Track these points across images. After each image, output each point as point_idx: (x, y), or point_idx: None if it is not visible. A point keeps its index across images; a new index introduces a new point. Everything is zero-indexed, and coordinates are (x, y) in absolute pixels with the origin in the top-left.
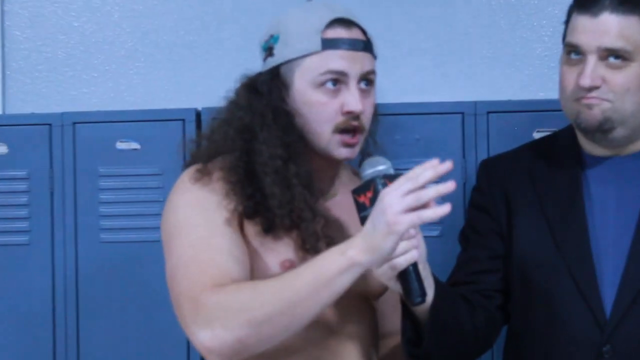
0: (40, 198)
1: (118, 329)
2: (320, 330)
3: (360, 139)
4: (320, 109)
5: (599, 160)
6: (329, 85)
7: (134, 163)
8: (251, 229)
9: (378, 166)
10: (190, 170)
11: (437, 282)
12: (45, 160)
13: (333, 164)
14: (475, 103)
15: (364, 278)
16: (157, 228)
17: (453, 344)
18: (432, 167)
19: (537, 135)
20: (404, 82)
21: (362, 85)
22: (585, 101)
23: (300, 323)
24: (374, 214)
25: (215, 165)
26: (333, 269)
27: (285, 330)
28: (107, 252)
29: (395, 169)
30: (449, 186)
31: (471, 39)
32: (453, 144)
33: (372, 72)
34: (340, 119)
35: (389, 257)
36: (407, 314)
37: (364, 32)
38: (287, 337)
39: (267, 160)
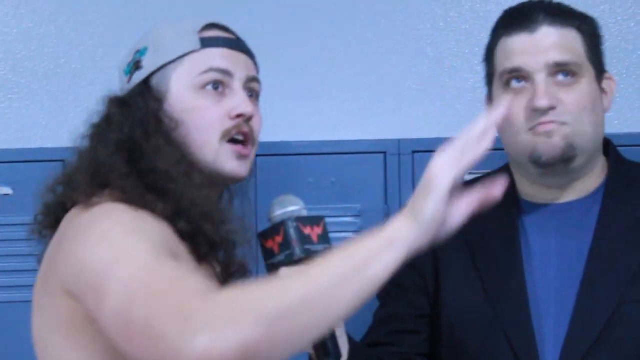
0: None
1: None
2: None
3: (251, 151)
4: (203, 113)
5: (537, 206)
6: (210, 87)
7: (6, 210)
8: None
9: (289, 206)
10: (111, 204)
11: (352, 342)
12: None
13: (214, 189)
14: (399, 141)
15: None
16: (30, 286)
17: None
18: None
19: (467, 177)
20: (318, 118)
21: (248, 94)
22: (542, 128)
23: (326, 320)
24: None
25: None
26: (366, 249)
27: (306, 328)
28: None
29: (314, 213)
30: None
31: (394, 69)
32: (374, 187)
33: (257, 80)
34: (228, 123)
35: (434, 224)
36: None
37: (240, 38)
38: (309, 339)
39: (170, 167)
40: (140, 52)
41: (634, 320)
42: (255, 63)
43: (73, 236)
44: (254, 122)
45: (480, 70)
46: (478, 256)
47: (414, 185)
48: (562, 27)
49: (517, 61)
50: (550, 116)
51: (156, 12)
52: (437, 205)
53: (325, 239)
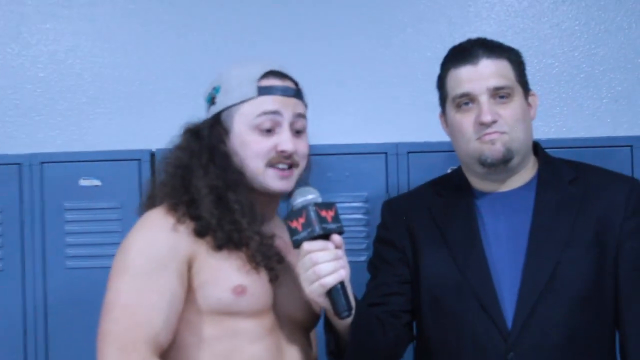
0: (11, 230)
1: (84, 348)
2: (272, 351)
3: (295, 172)
4: (254, 146)
5: (487, 194)
6: (264, 127)
7: (96, 198)
8: (202, 251)
9: (308, 195)
10: (159, 213)
11: (357, 301)
12: (16, 196)
13: (271, 200)
14: (397, 144)
15: (301, 302)
16: (112, 256)
17: (369, 355)
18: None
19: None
20: (335, 126)
21: (295, 131)
22: (487, 137)
23: None
24: None
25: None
26: None
27: None
28: (73, 277)
29: (326, 200)
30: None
31: (393, 88)
32: (377, 180)
33: (303, 115)
34: (272, 155)
35: None
36: (330, 328)
37: (295, 82)
38: None
39: (202, 188)
40: (216, 89)
41: (569, 275)
42: (303, 101)
43: (133, 229)
44: (298, 150)
45: None
46: (446, 233)
47: (408, 178)
48: (497, 59)
49: (465, 88)
50: (493, 128)
51: (207, 42)
52: None
53: (337, 220)
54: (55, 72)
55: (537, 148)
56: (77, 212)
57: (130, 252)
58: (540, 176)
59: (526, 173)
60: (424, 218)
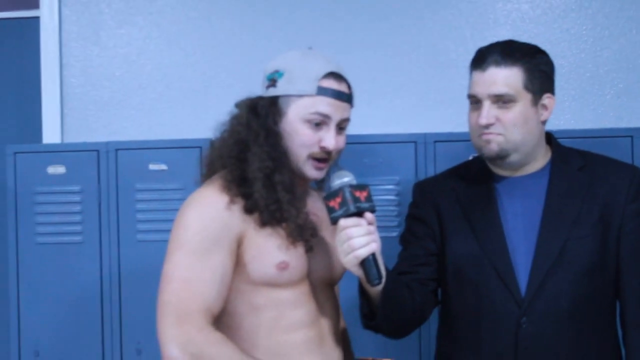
0: (90, 207)
1: (152, 310)
2: (312, 313)
3: (328, 165)
4: (302, 138)
5: (505, 178)
6: (314, 122)
7: (162, 180)
8: (251, 228)
9: (344, 178)
10: (215, 188)
11: (387, 271)
12: (94, 178)
13: (305, 180)
14: (425, 134)
15: (330, 267)
16: None
17: (398, 318)
18: None
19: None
20: (371, 118)
21: (338, 128)
22: (484, 137)
23: None
24: None
25: (221, 177)
26: None
27: None
28: (143, 249)
29: (360, 182)
30: None
31: (422, 86)
32: (408, 166)
33: (348, 119)
34: (315, 149)
35: None
36: (364, 294)
37: (349, 85)
38: None
39: (256, 170)
40: (279, 73)
41: (576, 251)
42: (352, 104)
43: (191, 199)
44: (337, 147)
45: None
46: (468, 212)
47: (435, 164)
48: (505, 67)
49: (473, 90)
50: (490, 129)
51: (257, 44)
52: None
53: (369, 199)
54: (129, 72)
55: (551, 138)
56: (147, 193)
57: (188, 229)
58: (553, 163)
59: (539, 161)
60: (449, 198)
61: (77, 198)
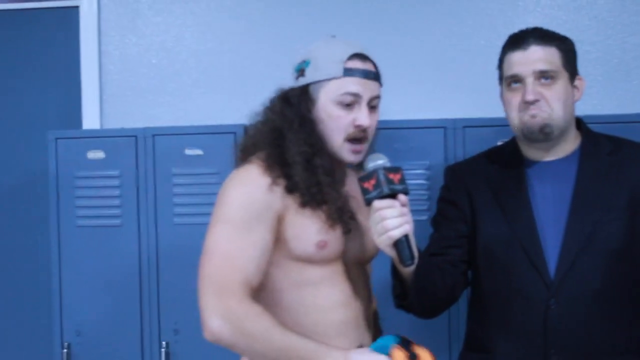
0: (129, 191)
1: (188, 291)
2: (347, 292)
3: (365, 147)
4: (337, 120)
5: (535, 162)
6: (346, 102)
7: (198, 165)
8: (292, 207)
9: (378, 160)
10: (256, 169)
11: (419, 252)
12: (133, 163)
13: (343, 163)
14: (455, 120)
15: (363, 248)
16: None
17: (429, 298)
18: None
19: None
20: (402, 104)
21: (370, 106)
22: (530, 112)
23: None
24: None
25: (260, 158)
26: (309, 352)
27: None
28: (180, 231)
29: (393, 165)
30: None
31: (453, 72)
32: (437, 151)
33: (378, 96)
34: (351, 130)
35: None
36: (396, 275)
37: (374, 64)
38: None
39: (294, 154)
40: (306, 63)
41: (605, 234)
42: (380, 82)
43: (234, 177)
44: (370, 129)
45: None
46: (499, 195)
47: (464, 150)
48: (546, 46)
49: (515, 70)
50: (535, 105)
51: (290, 32)
52: None
53: (403, 182)
54: (165, 59)
55: (580, 123)
56: (183, 177)
57: (231, 205)
58: (582, 148)
59: (569, 145)
60: (480, 182)
61: (116, 182)
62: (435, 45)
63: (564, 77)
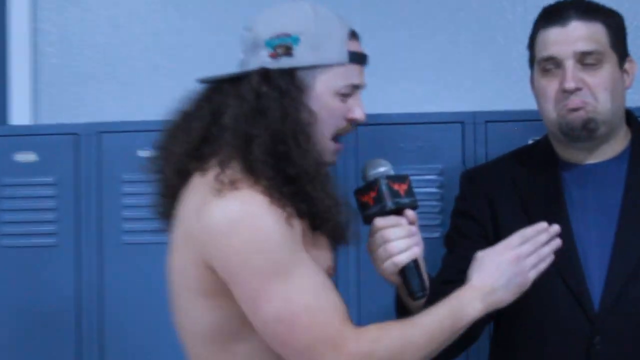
0: (66, 203)
1: (142, 332)
2: None
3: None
4: (332, 114)
5: (575, 165)
6: (345, 93)
7: None
8: (304, 231)
9: (379, 168)
10: (256, 198)
11: (430, 279)
12: (72, 167)
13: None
14: (474, 113)
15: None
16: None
17: None
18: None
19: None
20: (408, 94)
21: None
22: (569, 104)
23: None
24: (507, 272)
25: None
26: (473, 315)
27: None
28: (130, 253)
29: (399, 173)
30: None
31: (471, 54)
32: (453, 151)
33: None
34: (343, 124)
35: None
36: (402, 309)
37: None
38: None
39: (310, 168)
40: (293, 39)
41: None
42: None
43: (218, 220)
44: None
45: None
46: (529, 206)
47: (486, 149)
48: (589, 21)
49: (551, 51)
50: (576, 96)
51: None
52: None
53: (410, 194)
54: (115, 38)
55: (631, 117)
56: (135, 185)
57: (270, 250)
58: (633, 148)
59: (617, 144)
60: (506, 189)
61: (50, 191)
62: (450, 23)
63: (612, 59)
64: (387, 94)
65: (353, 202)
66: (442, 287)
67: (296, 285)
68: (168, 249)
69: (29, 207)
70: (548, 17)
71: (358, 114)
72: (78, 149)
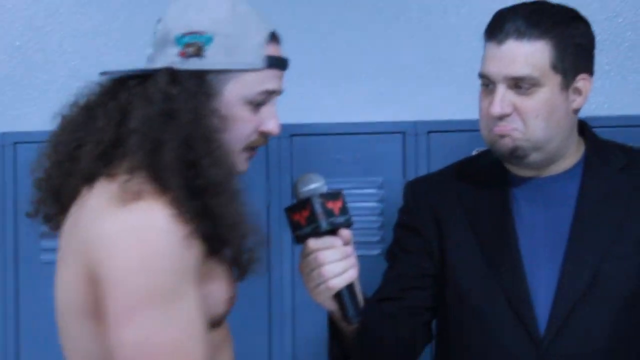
0: None
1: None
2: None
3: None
4: (242, 125)
5: (524, 180)
6: (258, 102)
7: None
8: (202, 254)
9: (312, 184)
10: (157, 214)
11: (366, 300)
12: None
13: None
14: (416, 123)
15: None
16: None
17: (378, 359)
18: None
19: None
20: (344, 103)
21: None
22: (496, 130)
23: None
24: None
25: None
26: None
27: None
28: (48, 273)
29: (333, 188)
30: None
31: (412, 60)
32: (394, 163)
33: None
34: (254, 137)
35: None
36: (335, 332)
37: None
38: None
39: (220, 181)
40: (205, 38)
41: (616, 275)
42: None
43: (109, 231)
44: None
45: None
46: (475, 223)
47: (429, 161)
48: (529, 40)
49: (485, 69)
50: (503, 121)
51: None
52: None
53: (345, 211)
54: (32, 41)
55: (584, 128)
56: None
57: (151, 273)
58: (586, 161)
59: (567, 160)
60: (451, 203)
61: None
62: (388, 24)
63: (551, 83)
64: (323, 101)
65: (276, 221)
66: (381, 304)
67: (168, 317)
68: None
69: None
70: (489, 30)
71: (271, 126)
72: None
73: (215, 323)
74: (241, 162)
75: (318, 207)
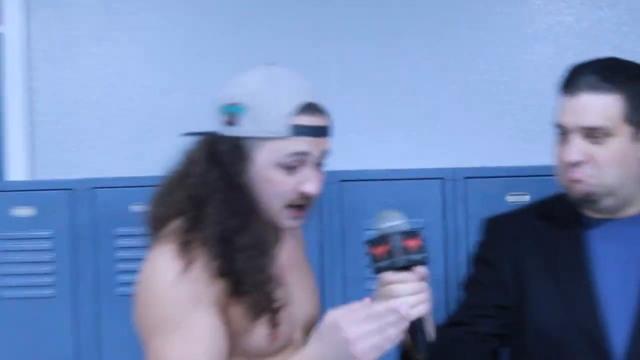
0: (63, 255)
1: None
2: None
3: (307, 211)
4: (277, 186)
5: (598, 221)
6: (291, 165)
7: None
8: (237, 309)
9: (394, 221)
10: (170, 253)
11: (437, 328)
12: (67, 221)
13: (279, 229)
14: (454, 169)
15: (312, 316)
16: None
17: None
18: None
19: (510, 199)
20: (389, 150)
21: (317, 164)
22: (571, 176)
23: None
24: (342, 350)
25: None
26: None
27: None
28: (126, 305)
29: (412, 228)
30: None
31: (450, 112)
32: (434, 206)
33: (329, 151)
34: (292, 196)
35: None
36: None
37: (325, 113)
38: None
39: (212, 232)
40: (239, 108)
41: None
42: (331, 135)
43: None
44: (319, 191)
45: (517, 112)
46: (552, 262)
47: (466, 204)
48: (602, 94)
49: (561, 119)
50: (578, 168)
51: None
52: None
53: (422, 249)
54: (107, 97)
55: None
56: (129, 239)
57: (165, 306)
58: None
59: (636, 206)
60: (529, 243)
61: (47, 245)
62: (428, 80)
63: (625, 132)
64: (364, 150)
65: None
66: (451, 329)
67: (175, 343)
68: None
69: (27, 260)
70: (564, 83)
71: (308, 187)
72: (73, 203)
73: (262, 355)
74: (284, 218)
75: (397, 244)
